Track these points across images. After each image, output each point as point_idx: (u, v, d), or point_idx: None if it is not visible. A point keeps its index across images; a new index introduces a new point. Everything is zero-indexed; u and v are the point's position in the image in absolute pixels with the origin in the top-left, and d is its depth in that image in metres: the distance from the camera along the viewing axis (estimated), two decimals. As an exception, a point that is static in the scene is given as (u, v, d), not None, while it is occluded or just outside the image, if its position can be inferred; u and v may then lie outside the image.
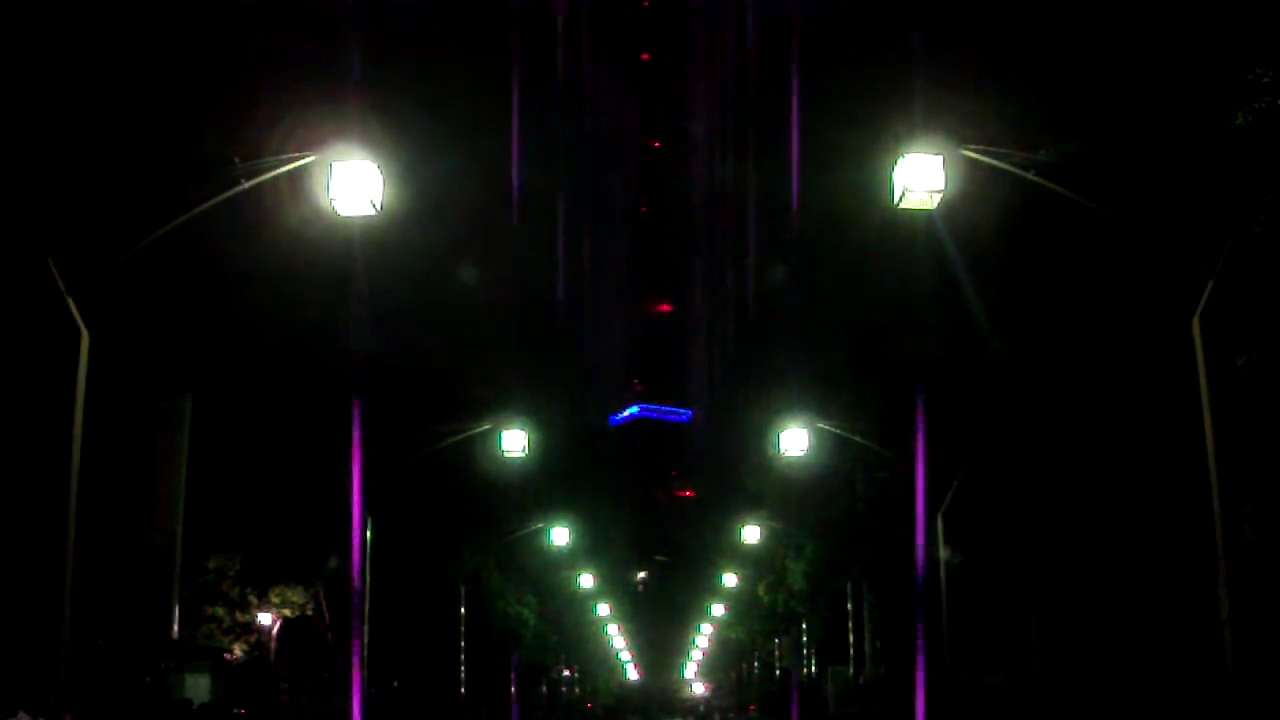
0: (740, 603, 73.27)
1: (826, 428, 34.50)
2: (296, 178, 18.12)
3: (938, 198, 17.26)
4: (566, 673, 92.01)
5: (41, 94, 22.71)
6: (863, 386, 37.79)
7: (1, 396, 26.49)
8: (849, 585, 46.26)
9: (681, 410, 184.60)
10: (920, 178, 16.96)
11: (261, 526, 39.03)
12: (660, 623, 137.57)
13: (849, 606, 46.66)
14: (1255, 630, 18.21)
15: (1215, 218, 16.89)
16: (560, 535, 54.05)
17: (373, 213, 17.61)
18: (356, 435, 30.95)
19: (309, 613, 42.60)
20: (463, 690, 47.85)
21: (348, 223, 18.72)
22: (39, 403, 24.30)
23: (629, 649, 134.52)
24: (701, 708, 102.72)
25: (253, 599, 40.84)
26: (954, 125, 18.20)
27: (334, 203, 17.35)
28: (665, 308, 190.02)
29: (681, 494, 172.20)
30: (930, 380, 31.35)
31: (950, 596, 32.00)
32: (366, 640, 33.27)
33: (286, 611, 41.84)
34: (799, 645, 57.85)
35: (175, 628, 36.46)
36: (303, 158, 17.87)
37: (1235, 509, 18.41)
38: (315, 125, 19.03)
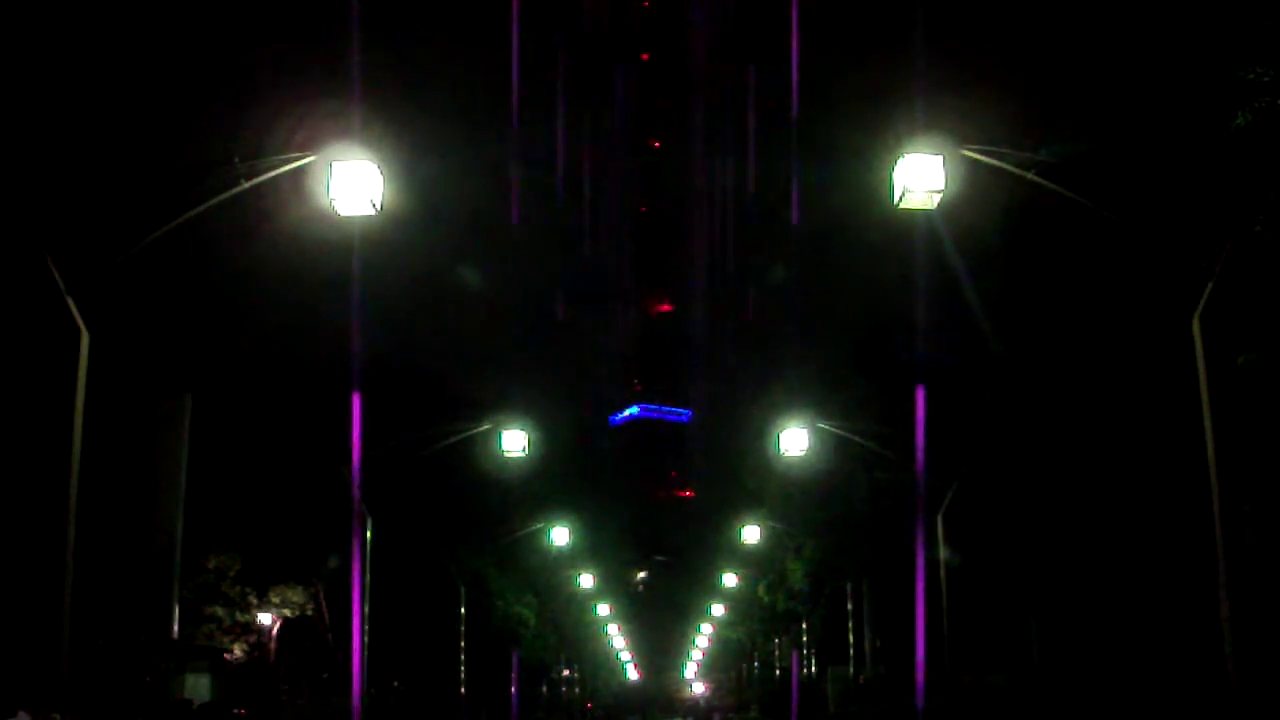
0: (740, 603, 73.31)
1: (826, 427, 34.49)
2: (296, 178, 18.12)
3: (938, 198, 17.27)
4: (566, 673, 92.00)
5: (42, 94, 22.71)
6: (863, 386, 37.80)
7: (1, 396, 26.49)
8: (849, 585, 46.26)
9: (681, 410, 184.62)
10: (920, 178, 16.97)
11: (261, 526, 38.99)
12: (660, 623, 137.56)
13: (849, 606, 46.64)
14: (1255, 630, 18.21)
15: (1215, 218, 16.89)
16: (560, 535, 54.08)
17: (373, 213, 17.62)
18: (356, 435, 30.95)
19: (309, 613, 42.58)
20: (463, 690, 47.85)
21: (348, 223, 18.71)
22: (39, 403, 24.29)
23: (629, 649, 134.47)
24: (701, 703, 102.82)
25: (253, 599, 40.81)
26: (954, 125, 18.21)
27: (334, 203, 17.36)
28: (665, 308, 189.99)
29: (681, 494, 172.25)
30: (930, 380, 31.34)
31: (950, 596, 31.99)
32: (366, 640, 33.27)
33: (286, 611, 41.81)
34: (799, 645, 57.82)
35: (175, 628, 36.38)
36: (303, 158, 17.88)
37: (1235, 509, 18.41)
38: (315, 125, 19.03)
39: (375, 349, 36.40)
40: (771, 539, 53.34)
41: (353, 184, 17.20)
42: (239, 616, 40.71)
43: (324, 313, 35.57)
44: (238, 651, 40.71)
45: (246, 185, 18.04)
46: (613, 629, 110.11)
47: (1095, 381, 27.73)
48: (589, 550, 70.65)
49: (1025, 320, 28.66)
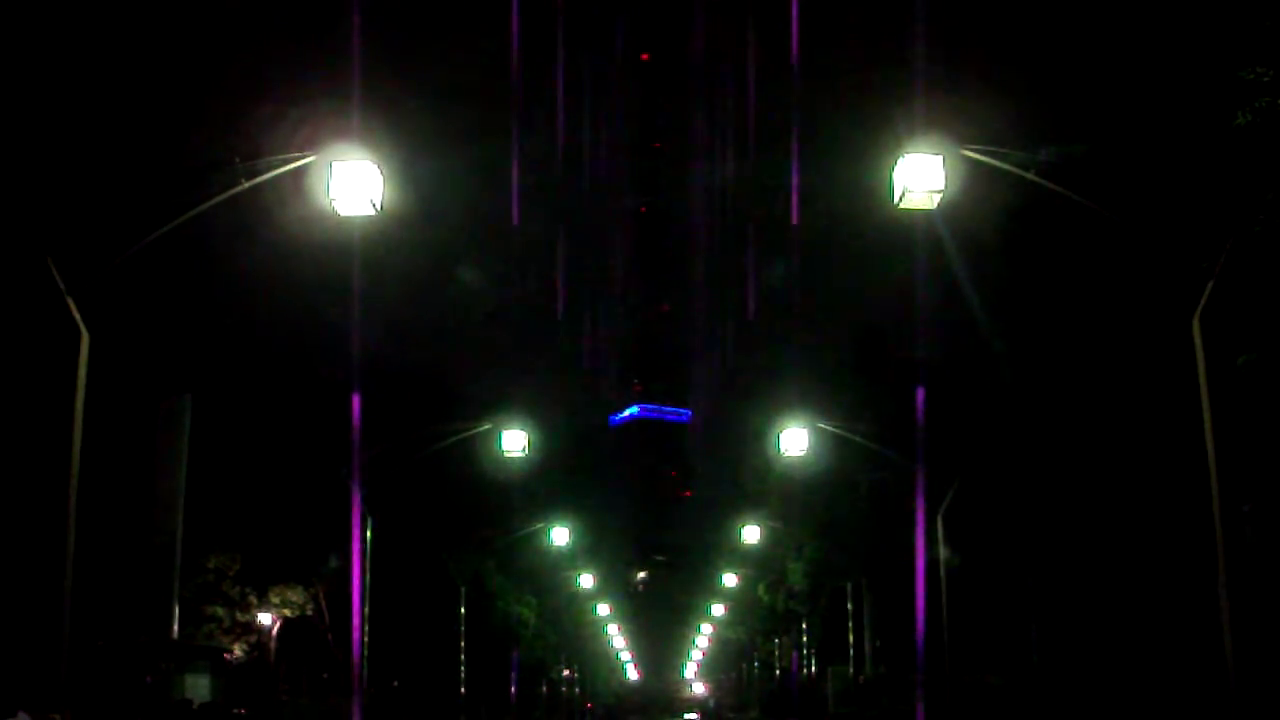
0: (740, 603, 73.28)
1: (827, 428, 34.50)
2: (296, 178, 18.13)
3: (938, 198, 17.27)
4: (566, 673, 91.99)
5: (42, 95, 22.72)
6: (863, 386, 37.82)
7: (2, 396, 26.49)
8: (849, 585, 46.24)
9: (681, 410, 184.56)
10: (920, 178, 16.97)
11: (261, 526, 38.99)
12: (660, 623, 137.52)
13: (849, 606, 46.63)
14: (1255, 630, 18.21)
15: (1215, 218, 16.89)
16: (560, 535, 54.12)
17: (373, 213, 17.62)
18: (356, 435, 30.97)
19: (309, 613, 42.57)
20: (463, 690, 47.84)
21: (348, 223, 18.72)
22: (39, 403, 24.30)
23: (629, 649, 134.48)
24: (711, 702, 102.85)
25: (253, 599, 40.80)
26: (954, 125, 18.21)
27: (334, 203, 17.36)
28: (665, 308, 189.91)
29: (681, 494, 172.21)
30: (930, 380, 31.35)
31: (950, 596, 31.99)
32: (366, 640, 33.28)
33: (286, 611, 41.79)
34: (799, 645, 57.82)
35: (175, 628, 36.41)
36: (303, 158, 17.88)
37: (1235, 509, 18.42)
38: (315, 125, 19.04)
39: (375, 349, 36.43)
40: (771, 539, 53.34)
41: (353, 184, 17.20)
42: (239, 616, 40.70)
43: (324, 313, 35.60)
44: (238, 651, 40.69)
45: (246, 185, 18.05)
46: (613, 629, 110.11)
47: (1095, 381, 27.73)
48: (589, 550, 70.72)
49: (1025, 320, 28.65)
